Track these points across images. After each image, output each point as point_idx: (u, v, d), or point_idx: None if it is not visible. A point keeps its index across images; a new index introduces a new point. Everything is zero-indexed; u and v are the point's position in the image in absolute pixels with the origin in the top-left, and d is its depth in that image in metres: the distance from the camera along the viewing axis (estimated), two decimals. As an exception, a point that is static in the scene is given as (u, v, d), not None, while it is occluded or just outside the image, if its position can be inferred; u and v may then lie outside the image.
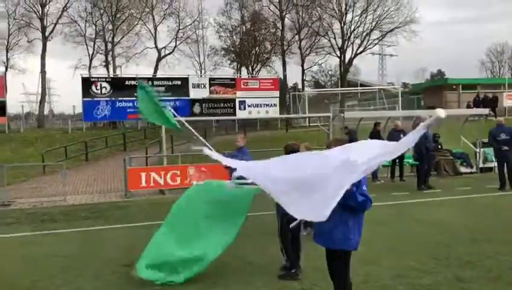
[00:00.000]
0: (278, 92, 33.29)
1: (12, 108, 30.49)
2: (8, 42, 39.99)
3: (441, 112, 3.56)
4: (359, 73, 58.74)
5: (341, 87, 43.42)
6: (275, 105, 32.55)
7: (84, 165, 20.70)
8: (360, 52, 42.95)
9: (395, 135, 13.18)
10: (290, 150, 5.83)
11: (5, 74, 32.65)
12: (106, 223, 9.43)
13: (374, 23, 41.59)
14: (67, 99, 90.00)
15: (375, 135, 14.14)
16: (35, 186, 15.23)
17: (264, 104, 32.25)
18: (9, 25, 39.27)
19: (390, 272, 5.71)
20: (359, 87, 45.39)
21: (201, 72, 43.16)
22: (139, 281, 5.51)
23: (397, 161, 14.03)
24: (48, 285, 5.62)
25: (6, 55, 39.70)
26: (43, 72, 37.41)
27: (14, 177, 15.67)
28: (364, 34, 42.05)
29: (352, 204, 3.92)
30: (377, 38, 42.92)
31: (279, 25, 43.84)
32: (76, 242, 7.95)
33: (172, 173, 13.18)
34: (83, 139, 23.60)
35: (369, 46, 43.09)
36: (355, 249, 4.18)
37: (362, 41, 42.29)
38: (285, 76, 43.30)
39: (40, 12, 37.86)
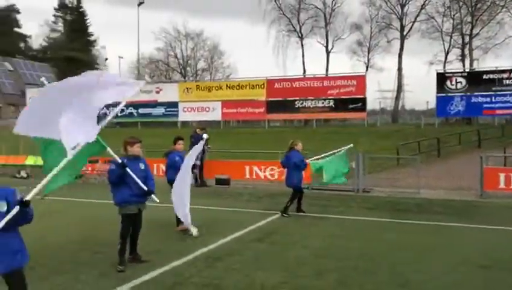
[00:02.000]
0: None
1: (369, 104, 33.48)
2: (369, 44, 44.10)
3: None
4: None
5: None
6: None
7: (436, 160, 20.75)
8: None
9: None
10: None
11: (365, 73, 36.08)
12: (460, 221, 9.25)
13: None
14: (420, 95, 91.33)
15: None
16: (390, 177, 16.31)
17: None
18: (371, 28, 43.22)
19: None
20: None
21: None
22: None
23: None
24: (402, 268, 6.04)
25: (368, 56, 43.87)
26: (399, 69, 39.47)
27: (371, 167, 17.24)
28: None
29: None
30: None
31: None
32: (427, 234, 8.17)
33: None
34: (435, 134, 23.66)
35: None
36: None
37: None
38: None
39: (400, 13, 39.96)
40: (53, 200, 9.25)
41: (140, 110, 34.29)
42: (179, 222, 8.21)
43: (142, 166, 6.28)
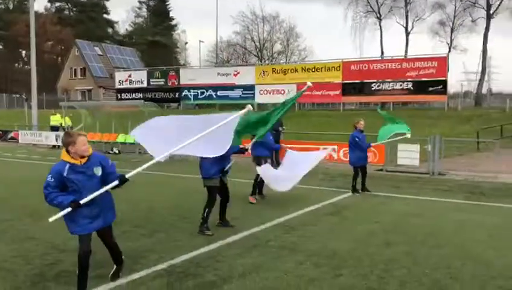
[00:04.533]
0: None
1: (451, 87, 32.05)
2: (452, 24, 42.11)
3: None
4: None
5: None
6: None
7: (521, 146, 19.83)
8: None
9: None
10: None
11: (447, 54, 34.62)
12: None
13: None
14: (509, 77, 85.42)
15: None
16: (468, 161, 15.95)
17: None
18: (455, 7, 41.17)
19: None
20: None
21: None
22: None
23: None
24: (475, 246, 6.29)
25: (451, 37, 41.94)
26: (484, 51, 37.38)
27: (449, 151, 16.93)
28: None
29: None
30: None
31: None
32: (502, 216, 8.23)
33: None
34: (521, 119, 22.53)
35: None
36: None
37: None
38: None
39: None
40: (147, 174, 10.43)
41: (219, 93, 35.64)
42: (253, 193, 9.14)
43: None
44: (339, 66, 31.40)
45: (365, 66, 30.95)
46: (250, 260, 5.60)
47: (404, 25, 41.97)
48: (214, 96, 36.01)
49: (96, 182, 4.36)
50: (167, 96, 38.10)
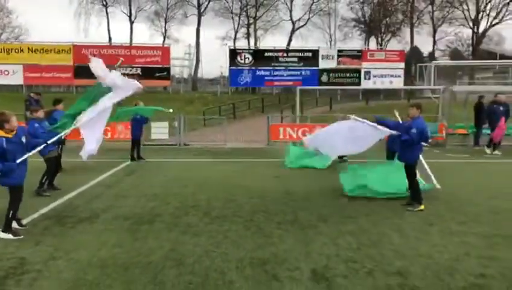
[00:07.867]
0: (403, 63, 35.11)
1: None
2: (166, 16, 47.31)
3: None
4: (503, 42, 54.67)
5: (474, 58, 43.09)
6: (400, 76, 34.52)
7: (233, 121, 25.74)
8: (495, 24, 42.12)
9: (493, 108, 15.26)
10: None
11: (163, 43, 39.29)
12: (255, 158, 13.76)
13: (514, -6, 40.33)
14: (209, 65, 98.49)
15: (478, 107, 16.29)
16: (200, 134, 20.31)
17: (388, 75, 34.45)
18: (167, 1, 46.35)
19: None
20: (495, 61, 43.66)
21: (331, 43, 46.18)
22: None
23: None
24: (235, 181, 9.90)
25: (165, 27, 47.10)
26: (197, 43, 43.85)
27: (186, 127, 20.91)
28: (501, 5, 41.16)
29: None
30: (518, 9, 41.51)
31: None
32: (240, 166, 12.31)
33: (302, 130, 17.11)
34: (230, 101, 28.78)
35: (506, 19, 42.00)
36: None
37: (498, 13, 41.42)
38: (414, 47, 44.24)
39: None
40: None
41: None
42: None
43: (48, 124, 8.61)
44: (70, 49, 31.89)
45: (96, 51, 32.40)
46: (100, 204, 7.66)
47: (128, 14, 44.72)
48: None
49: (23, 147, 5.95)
50: None
